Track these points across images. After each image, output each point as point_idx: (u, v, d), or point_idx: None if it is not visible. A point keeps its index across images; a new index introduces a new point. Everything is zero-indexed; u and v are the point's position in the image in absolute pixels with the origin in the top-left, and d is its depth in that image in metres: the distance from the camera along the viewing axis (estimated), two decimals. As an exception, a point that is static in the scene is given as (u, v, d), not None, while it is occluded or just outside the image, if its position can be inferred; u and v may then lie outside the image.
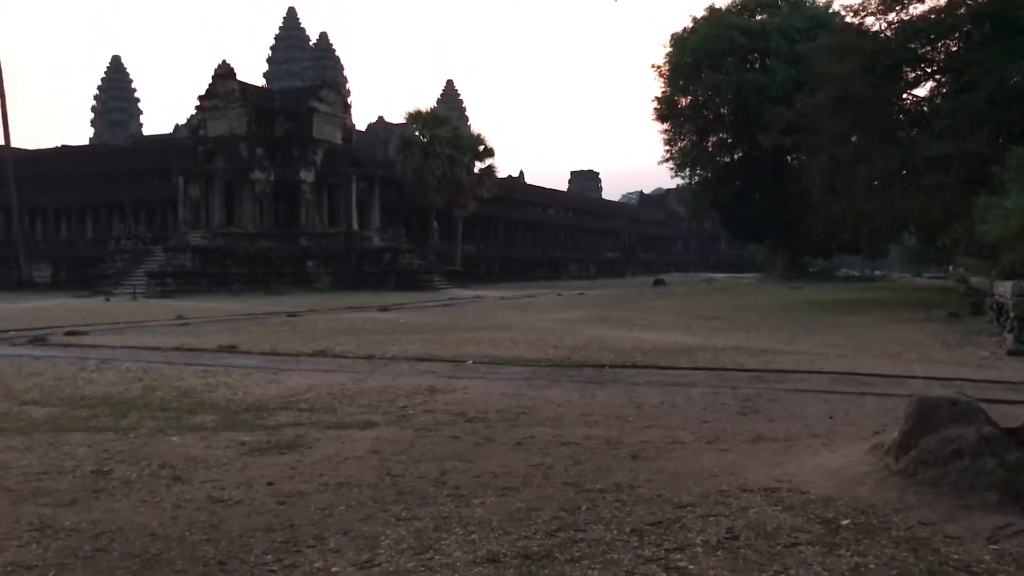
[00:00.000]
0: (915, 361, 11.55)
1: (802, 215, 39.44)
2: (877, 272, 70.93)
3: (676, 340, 14.54)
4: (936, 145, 23.34)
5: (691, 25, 49.45)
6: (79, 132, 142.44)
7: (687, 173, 52.95)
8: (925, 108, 27.44)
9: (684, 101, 49.70)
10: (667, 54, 49.27)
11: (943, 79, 27.52)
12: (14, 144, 48.10)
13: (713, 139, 51.32)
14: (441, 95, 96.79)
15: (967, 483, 4.34)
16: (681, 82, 48.85)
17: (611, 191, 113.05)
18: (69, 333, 16.64)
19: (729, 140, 50.82)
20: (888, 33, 26.54)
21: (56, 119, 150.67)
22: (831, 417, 7.28)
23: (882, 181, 26.85)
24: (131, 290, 35.13)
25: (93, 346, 14.61)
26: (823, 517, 4.27)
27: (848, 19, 29.85)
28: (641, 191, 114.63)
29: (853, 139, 30.11)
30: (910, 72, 27.31)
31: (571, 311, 23.88)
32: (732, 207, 51.79)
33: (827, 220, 32.52)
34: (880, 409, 7.57)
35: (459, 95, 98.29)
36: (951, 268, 56.84)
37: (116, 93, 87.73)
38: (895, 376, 9.85)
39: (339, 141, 48.90)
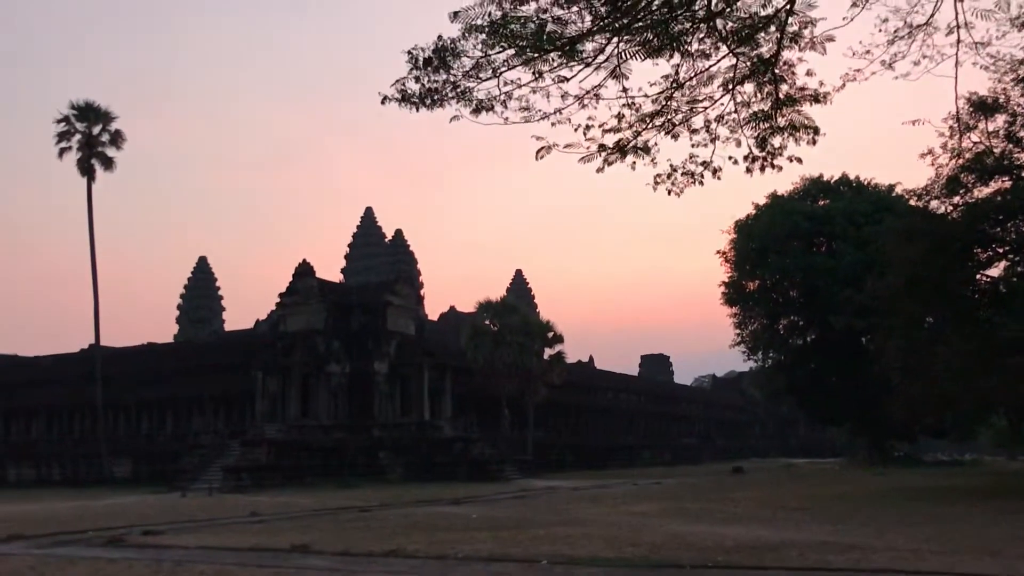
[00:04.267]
0: (1021, 559, 10.81)
1: (882, 397, 38.28)
2: (967, 455, 67.72)
3: (759, 535, 13.92)
4: (1016, 326, 22.81)
5: (753, 211, 50.35)
6: (165, 329, 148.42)
7: (760, 356, 52.36)
8: (1002, 288, 27.01)
9: (752, 285, 49.86)
10: (731, 240, 49.96)
11: (1016, 259, 27.21)
12: (103, 342, 50.23)
13: (784, 322, 51.00)
14: (510, 284, 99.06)
15: None
16: (748, 267, 49.22)
17: (683, 375, 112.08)
18: (146, 533, 16.67)
19: (801, 323, 50.44)
20: (955, 215, 26.62)
21: (145, 317, 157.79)
22: (933, 626, 6.79)
23: (963, 363, 26.12)
24: (207, 485, 35.35)
25: (168, 546, 14.59)
26: None
27: (912, 202, 30.09)
28: (714, 375, 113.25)
29: (929, 320, 29.62)
30: (981, 253, 27.10)
31: (647, 503, 23.17)
32: (808, 390, 50.69)
33: (909, 403, 31.49)
34: (987, 617, 7.04)
35: (527, 283, 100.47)
36: (1048, 450, 54.13)
37: (201, 291, 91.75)
38: (999, 577, 9.21)
39: (412, 332, 49.96)
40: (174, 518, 20.96)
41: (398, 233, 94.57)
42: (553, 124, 9.53)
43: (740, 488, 29.82)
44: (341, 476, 39.58)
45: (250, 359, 45.32)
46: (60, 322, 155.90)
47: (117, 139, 48.52)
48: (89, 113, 48.08)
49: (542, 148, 9.60)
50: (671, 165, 10.30)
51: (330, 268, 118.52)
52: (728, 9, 8.94)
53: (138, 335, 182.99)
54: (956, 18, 9.59)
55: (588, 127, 9.66)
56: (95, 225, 48.43)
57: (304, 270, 48.25)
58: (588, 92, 9.42)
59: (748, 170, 10.25)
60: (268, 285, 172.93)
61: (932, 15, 9.62)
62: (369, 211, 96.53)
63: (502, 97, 9.27)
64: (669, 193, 10.48)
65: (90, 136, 48.00)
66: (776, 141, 10.06)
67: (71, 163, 48.16)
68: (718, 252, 50.66)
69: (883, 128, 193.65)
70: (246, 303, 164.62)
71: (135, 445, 49.36)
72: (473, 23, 8.69)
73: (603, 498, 26.53)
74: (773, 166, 10.26)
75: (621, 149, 9.90)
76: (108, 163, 48.37)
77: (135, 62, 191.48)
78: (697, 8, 8.92)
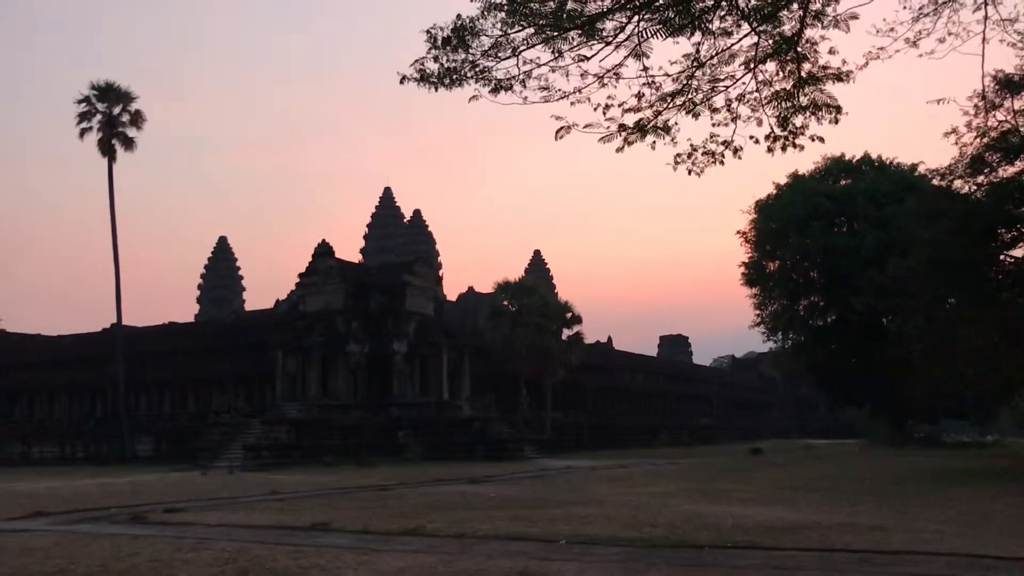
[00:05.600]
0: (1042, 541, 10.75)
1: (903, 379, 38.12)
2: (989, 437, 67.26)
3: (779, 516, 13.92)
4: (1040, 306, 22.59)
5: (774, 191, 49.98)
6: (186, 309, 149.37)
7: (779, 337, 52.13)
8: (1025, 268, 26.71)
9: (772, 266, 49.60)
10: (751, 220, 49.63)
11: (1041, 239, 26.88)
12: (125, 322, 50.60)
13: (804, 302, 50.71)
14: (529, 264, 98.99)
15: None
16: (768, 247, 48.93)
17: (701, 355, 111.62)
18: (168, 510, 16.87)
19: (821, 303, 50.12)
20: (979, 195, 26.31)
21: (166, 297, 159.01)
22: (954, 609, 6.77)
23: (985, 344, 25.92)
24: (228, 463, 35.70)
25: (190, 524, 14.77)
26: None
27: (935, 182, 29.76)
28: (733, 355, 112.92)
29: (951, 301, 29.38)
30: (1006, 233, 26.79)
31: (666, 483, 23.20)
32: (828, 371, 50.46)
33: (930, 384, 31.34)
34: (1008, 599, 7.01)
35: (546, 264, 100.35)
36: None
37: (221, 271, 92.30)
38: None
39: (431, 313, 50.08)
40: (195, 496, 21.22)
41: (416, 213, 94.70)
42: (573, 103, 9.48)
43: (759, 469, 29.80)
44: (360, 455, 39.85)
45: (270, 339, 45.62)
46: (82, 302, 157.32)
47: (137, 119, 48.70)
48: (109, 94, 48.25)
49: (562, 128, 9.56)
50: (691, 145, 10.23)
51: (349, 248, 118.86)
52: (750, -14, 8.85)
53: (159, 315, 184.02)
54: (983, -6, 9.45)
55: (608, 106, 9.61)
56: (116, 205, 48.82)
57: (323, 250, 48.42)
58: (608, 71, 9.36)
59: (769, 149, 10.18)
60: (288, 265, 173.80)
61: (959, -9, 9.49)
62: (388, 191, 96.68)
63: (521, 76, 9.23)
64: (689, 173, 10.43)
65: (111, 117, 48.20)
66: (798, 120, 9.97)
67: (92, 144, 48.45)
68: (738, 232, 50.38)
69: (906, 107, 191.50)
70: (266, 283, 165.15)
71: (157, 423, 49.86)
72: (492, 1, 8.64)
73: (621, 478, 26.59)
74: (795, 145, 10.18)
75: (641, 128, 9.84)
76: (129, 143, 48.59)
77: (154, 43, 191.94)
78: (719, -15, 8.83)
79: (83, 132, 48.36)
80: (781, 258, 48.93)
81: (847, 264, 44.24)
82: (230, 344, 49.98)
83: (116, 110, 48.33)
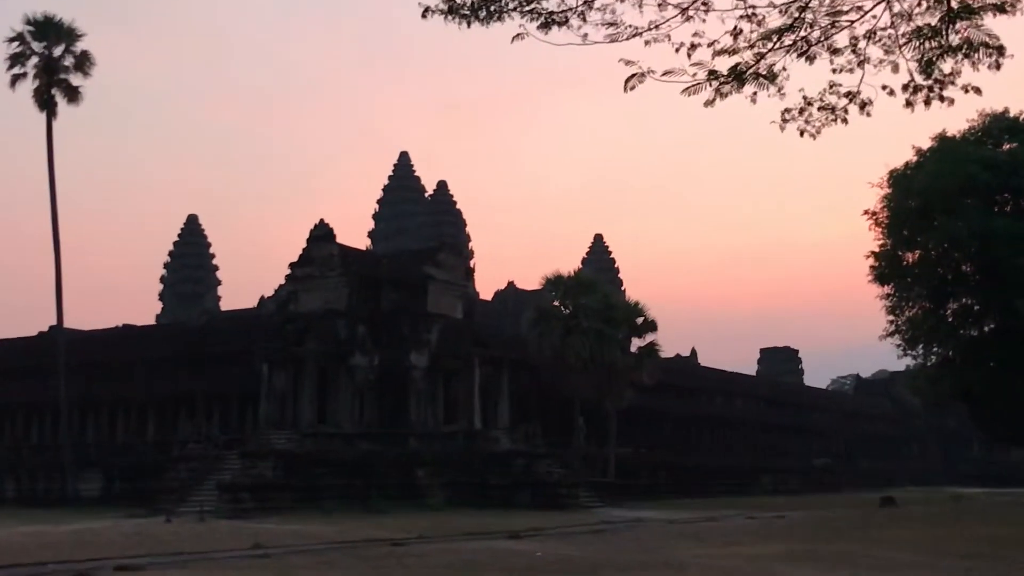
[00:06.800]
0: None
1: (1087, 409, 37.55)
2: None
3: (916, 589, 13.83)
4: None
5: (914, 158, 49.45)
6: (146, 307, 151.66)
7: (920, 351, 51.59)
8: None
9: (911, 257, 49.06)
10: (884, 196, 49.12)
11: None
12: (68, 324, 51.36)
13: (954, 306, 50.10)
14: (587, 254, 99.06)
15: None
16: (906, 232, 48.39)
17: (815, 375, 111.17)
18: (119, 568, 17.15)
19: (976, 307, 49.52)
20: None
21: (120, 292, 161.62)
22: None
23: None
24: (198, 508, 36.16)
25: (149, 585, 15.00)
26: None
27: None
28: (857, 375, 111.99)
29: None
30: None
31: (768, 543, 23.12)
32: (985, 397, 49.76)
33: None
34: None
35: (610, 253, 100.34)
36: None
37: (190, 260, 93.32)
38: None
39: (459, 315, 50.28)
40: (155, 549, 21.52)
41: (441, 186, 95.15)
42: (647, 43, 9.45)
43: (891, 525, 29.58)
44: (368, 499, 40.18)
45: (252, 347, 46.09)
46: (14, 298, 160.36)
47: (83, 63, 49.36)
48: (49, 29, 48.90)
49: (633, 76, 9.54)
50: (804, 97, 10.18)
51: (355, 231, 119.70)
52: None
53: (112, 315, 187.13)
54: None
55: (694, 47, 9.58)
56: (57, 174, 49.53)
57: (322, 234, 48.81)
58: (695, 0, 9.33)
59: (908, 103, 10.10)
60: (276, 252, 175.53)
61: None
62: (404, 157, 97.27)
63: (580, 8, 9.24)
64: (802, 134, 10.38)
65: (50, 59, 48.90)
66: (946, 65, 9.87)
67: (26, 94, 49.23)
68: (866, 213, 49.83)
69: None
70: (248, 275, 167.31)
71: (107, 455, 50.55)
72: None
73: (709, 535, 26.53)
74: (942, 98, 10.09)
75: (738, 76, 9.80)
76: (73, 94, 49.30)
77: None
78: None
79: (15, 79, 49.15)
80: (923, 246, 48.37)
81: (1012, 255, 43.60)
82: (201, 354, 50.56)
83: (57, 51, 49.04)
